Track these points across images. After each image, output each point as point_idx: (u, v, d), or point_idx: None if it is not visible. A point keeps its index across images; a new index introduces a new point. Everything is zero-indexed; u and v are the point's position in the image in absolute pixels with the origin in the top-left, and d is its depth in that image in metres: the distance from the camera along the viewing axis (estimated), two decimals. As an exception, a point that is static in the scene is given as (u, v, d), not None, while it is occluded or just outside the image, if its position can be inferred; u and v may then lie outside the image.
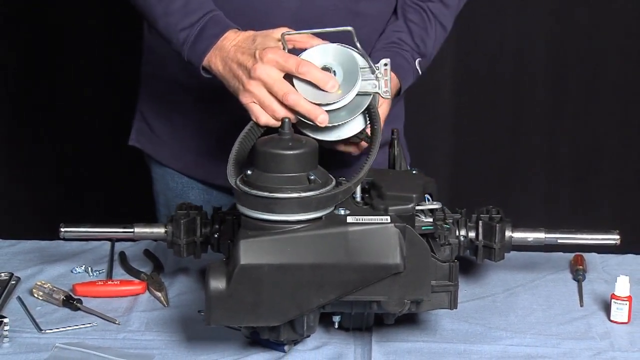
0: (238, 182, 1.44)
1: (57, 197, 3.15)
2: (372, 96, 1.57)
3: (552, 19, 3.11)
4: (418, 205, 1.49)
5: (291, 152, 1.41)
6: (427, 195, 1.53)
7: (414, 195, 1.48)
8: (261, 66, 1.55)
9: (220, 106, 1.84)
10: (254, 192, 1.40)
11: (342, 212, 1.43)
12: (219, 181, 1.90)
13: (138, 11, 1.72)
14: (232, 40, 1.61)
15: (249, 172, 1.42)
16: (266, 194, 1.40)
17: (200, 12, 1.65)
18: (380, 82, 1.57)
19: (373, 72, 1.57)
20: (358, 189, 1.50)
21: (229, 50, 1.60)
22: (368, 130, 1.60)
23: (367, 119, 1.58)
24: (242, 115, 1.78)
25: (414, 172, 1.60)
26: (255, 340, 1.51)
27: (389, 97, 1.59)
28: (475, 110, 3.19)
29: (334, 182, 1.45)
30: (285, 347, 1.49)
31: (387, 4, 1.85)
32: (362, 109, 1.57)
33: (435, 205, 1.52)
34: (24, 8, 3.02)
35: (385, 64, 1.58)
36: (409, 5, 1.86)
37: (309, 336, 1.51)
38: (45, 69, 3.06)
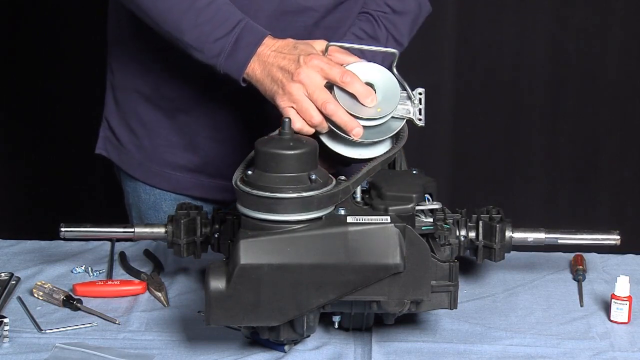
0: (238, 182, 1.44)
1: (57, 197, 3.15)
2: (404, 121, 1.58)
3: (552, 19, 3.11)
4: (418, 205, 1.49)
5: (292, 152, 1.41)
6: (427, 195, 1.53)
7: (414, 195, 1.48)
8: (305, 70, 1.54)
9: (183, 119, 1.84)
10: (255, 192, 1.40)
11: (342, 212, 1.43)
12: (187, 191, 1.90)
13: (154, 26, 1.66)
14: (271, 46, 1.60)
15: (249, 172, 1.42)
16: (267, 194, 1.40)
17: (233, 20, 1.62)
18: (415, 109, 1.58)
19: (409, 98, 1.58)
20: (358, 189, 1.50)
21: (269, 55, 1.59)
22: None
23: (394, 142, 1.59)
24: (205, 128, 1.78)
25: (414, 172, 1.59)
26: (255, 340, 1.51)
27: (423, 124, 1.59)
28: (476, 110, 3.19)
29: (334, 182, 1.45)
30: (285, 347, 1.49)
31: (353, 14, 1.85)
32: (394, 133, 1.57)
33: (435, 205, 1.52)
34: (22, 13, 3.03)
35: (420, 93, 1.59)
36: (361, 14, 1.85)
37: (309, 336, 1.51)
38: (46, 66, 3.07)
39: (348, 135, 1.55)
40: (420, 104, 1.60)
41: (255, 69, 1.60)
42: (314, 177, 1.41)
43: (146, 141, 1.88)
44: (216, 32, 1.61)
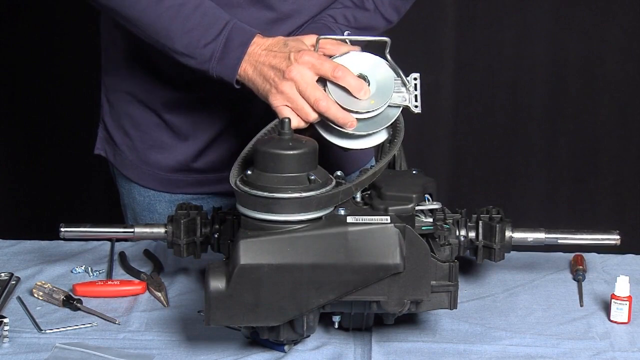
0: (238, 182, 1.44)
1: (57, 197, 3.15)
2: (400, 109, 1.58)
3: (551, 19, 3.11)
4: (418, 205, 1.49)
5: (291, 152, 1.41)
6: (427, 195, 1.53)
7: (414, 195, 1.48)
8: (296, 67, 1.54)
9: (175, 120, 1.83)
10: (254, 192, 1.40)
11: (342, 212, 1.43)
12: (180, 190, 1.89)
13: (143, 35, 1.65)
14: (261, 45, 1.60)
15: (248, 172, 1.42)
16: (266, 194, 1.40)
17: (221, 23, 1.61)
18: (411, 95, 1.57)
19: (404, 85, 1.57)
20: (357, 189, 1.50)
21: (260, 55, 1.58)
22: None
23: (390, 131, 1.59)
24: (197, 129, 1.77)
25: (414, 172, 1.59)
26: (255, 340, 1.51)
27: (420, 111, 1.58)
28: (475, 110, 3.19)
29: (333, 182, 1.45)
30: (285, 347, 1.49)
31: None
32: (390, 122, 1.57)
33: (435, 205, 1.52)
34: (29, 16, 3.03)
35: (415, 78, 1.58)
36: None
37: (308, 336, 1.51)
38: (45, 66, 3.07)
39: (343, 129, 1.55)
40: (416, 90, 1.58)
41: (247, 69, 1.59)
42: (313, 177, 1.41)
43: (138, 142, 1.88)
44: (205, 37, 1.61)
